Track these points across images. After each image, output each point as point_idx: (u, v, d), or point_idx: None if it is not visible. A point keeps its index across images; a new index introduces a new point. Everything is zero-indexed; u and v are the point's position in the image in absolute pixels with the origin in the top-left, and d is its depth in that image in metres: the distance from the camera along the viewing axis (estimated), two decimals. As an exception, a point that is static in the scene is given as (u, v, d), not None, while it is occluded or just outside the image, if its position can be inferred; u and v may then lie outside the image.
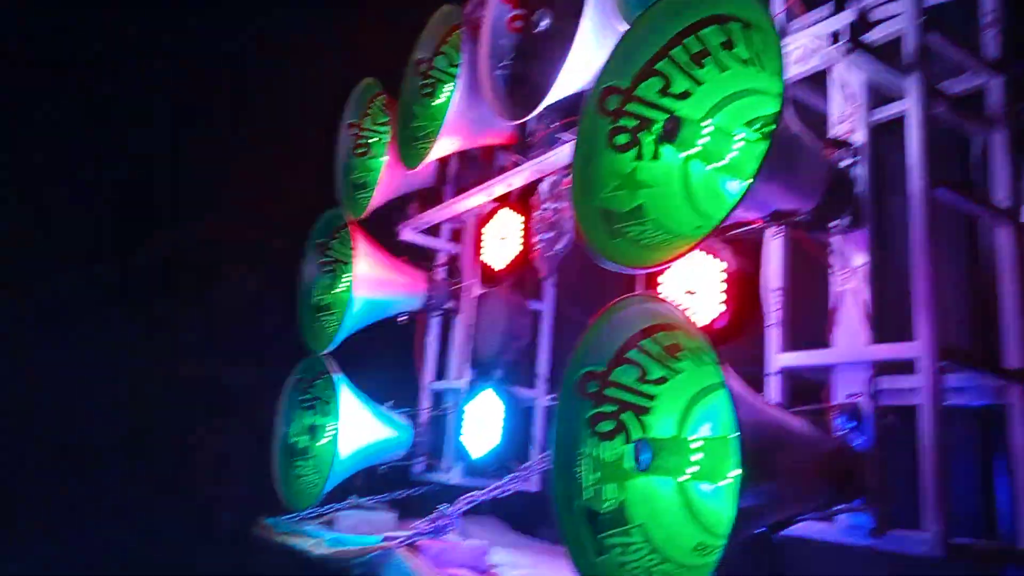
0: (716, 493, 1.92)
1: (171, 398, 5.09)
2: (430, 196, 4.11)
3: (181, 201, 5.40)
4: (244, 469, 4.08)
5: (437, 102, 3.67)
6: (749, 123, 2.04)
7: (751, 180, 1.71)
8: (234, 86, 5.36)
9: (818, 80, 2.38)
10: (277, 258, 4.36)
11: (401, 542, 2.53)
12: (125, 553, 4.79)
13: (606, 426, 1.99)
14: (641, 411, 1.98)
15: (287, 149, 5.00)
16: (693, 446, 1.86)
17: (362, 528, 3.33)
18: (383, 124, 4.01)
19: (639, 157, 2.14)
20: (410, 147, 3.66)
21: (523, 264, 3.60)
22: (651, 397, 1.99)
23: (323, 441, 3.69)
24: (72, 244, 5.38)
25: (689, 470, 1.83)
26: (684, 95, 2.10)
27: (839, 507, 1.88)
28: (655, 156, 2.15)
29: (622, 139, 2.12)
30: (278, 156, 5.03)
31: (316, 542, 2.93)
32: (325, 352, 3.72)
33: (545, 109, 2.83)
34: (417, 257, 4.14)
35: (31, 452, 4.87)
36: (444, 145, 3.43)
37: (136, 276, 5.28)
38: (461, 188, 3.93)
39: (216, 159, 5.28)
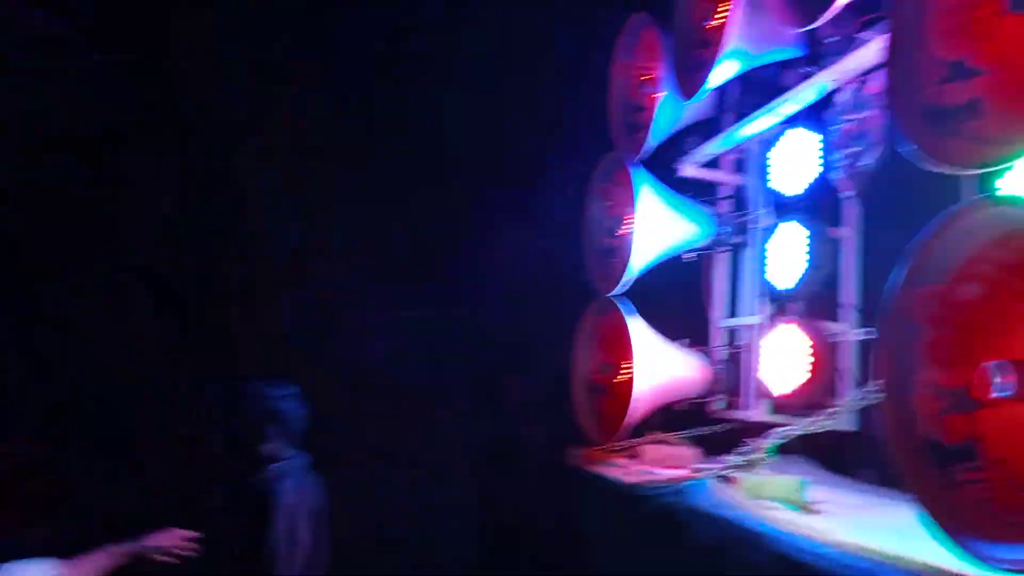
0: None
1: (479, 343, 5.63)
2: (709, 127, 3.95)
3: (464, 161, 5.82)
4: (550, 405, 4.38)
5: (713, 24, 3.48)
6: None
7: None
8: (504, 40, 5.55)
9: None
10: (562, 207, 4.54)
11: (713, 473, 2.52)
12: (449, 481, 5.49)
13: (947, 351, 1.77)
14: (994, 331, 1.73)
15: (563, 97, 5.11)
16: (1072, 369, 1.58)
17: (666, 461, 3.40)
18: (656, 59, 3.92)
19: (974, 39, 1.83)
20: (686, 77, 3.54)
21: (821, 187, 3.31)
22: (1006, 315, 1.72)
23: (621, 379, 3.81)
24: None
25: (1069, 396, 1.56)
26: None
27: None
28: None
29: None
30: (553, 104, 5.16)
31: (626, 471, 3.06)
32: (614, 294, 3.82)
33: (841, 8, 2.55)
34: (699, 192, 4.02)
35: (364, 395, 5.70)
36: (723, 70, 3.25)
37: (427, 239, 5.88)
38: (742, 114, 3.71)
39: (494, 117, 5.59)
